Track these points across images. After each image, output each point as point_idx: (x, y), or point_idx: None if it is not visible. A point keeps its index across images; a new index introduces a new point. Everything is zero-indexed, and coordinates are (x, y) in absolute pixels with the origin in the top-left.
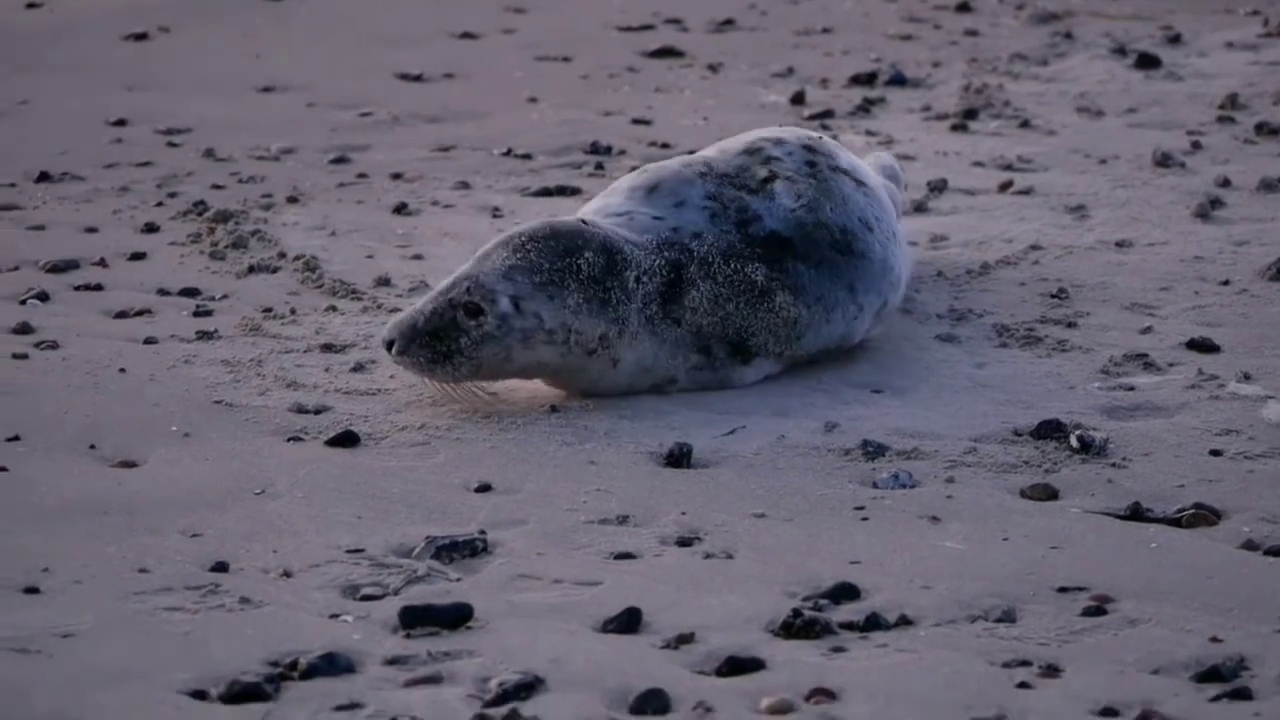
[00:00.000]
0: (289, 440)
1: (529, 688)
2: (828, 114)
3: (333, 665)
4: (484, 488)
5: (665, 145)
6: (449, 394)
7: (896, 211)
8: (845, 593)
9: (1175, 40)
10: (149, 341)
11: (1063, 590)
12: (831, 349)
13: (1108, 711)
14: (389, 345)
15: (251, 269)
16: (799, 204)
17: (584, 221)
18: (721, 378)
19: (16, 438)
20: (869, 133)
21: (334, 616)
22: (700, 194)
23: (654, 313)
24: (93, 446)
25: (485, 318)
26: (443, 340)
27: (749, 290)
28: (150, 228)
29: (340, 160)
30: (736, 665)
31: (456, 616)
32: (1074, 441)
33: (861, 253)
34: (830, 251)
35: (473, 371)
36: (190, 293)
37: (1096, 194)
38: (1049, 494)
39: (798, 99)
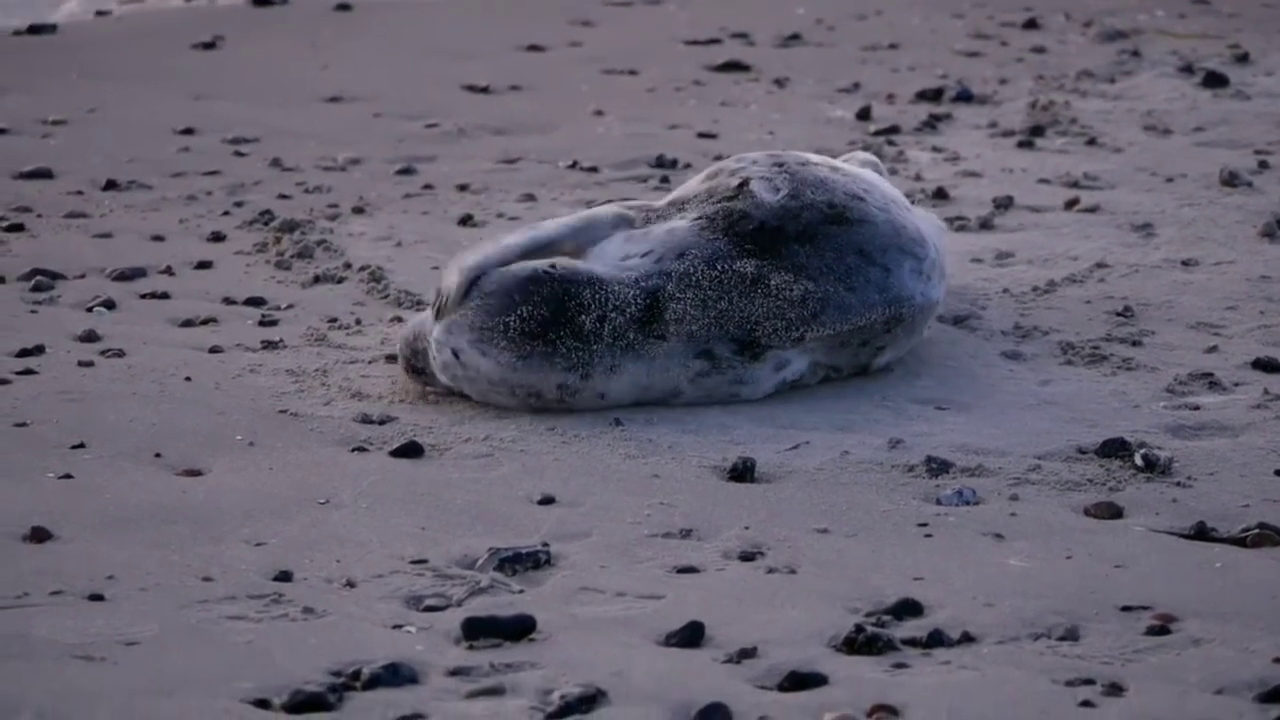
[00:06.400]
0: (353, 450)
1: (591, 700)
2: (893, 130)
3: (395, 676)
4: (547, 500)
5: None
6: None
7: None
8: (908, 609)
9: (1243, 59)
10: (214, 350)
11: (1126, 609)
12: (888, 323)
13: None
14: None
15: (317, 279)
16: (780, 195)
17: (552, 266)
18: (732, 379)
19: (82, 445)
20: (935, 149)
21: (397, 627)
22: (683, 230)
23: (633, 339)
24: (158, 455)
25: (435, 359)
26: (418, 356)
27: (740, 283)
28: (216, 236)
29: (406, 171)
30: (798, 680)
31: (519, 628)
32: (1139, 460)
33: (859, 219)
34: (824, 225)
35: (443, 386)
36: (256, 302)
37: (1163, 212)
38: (1113, 512)
39: (863, 114)
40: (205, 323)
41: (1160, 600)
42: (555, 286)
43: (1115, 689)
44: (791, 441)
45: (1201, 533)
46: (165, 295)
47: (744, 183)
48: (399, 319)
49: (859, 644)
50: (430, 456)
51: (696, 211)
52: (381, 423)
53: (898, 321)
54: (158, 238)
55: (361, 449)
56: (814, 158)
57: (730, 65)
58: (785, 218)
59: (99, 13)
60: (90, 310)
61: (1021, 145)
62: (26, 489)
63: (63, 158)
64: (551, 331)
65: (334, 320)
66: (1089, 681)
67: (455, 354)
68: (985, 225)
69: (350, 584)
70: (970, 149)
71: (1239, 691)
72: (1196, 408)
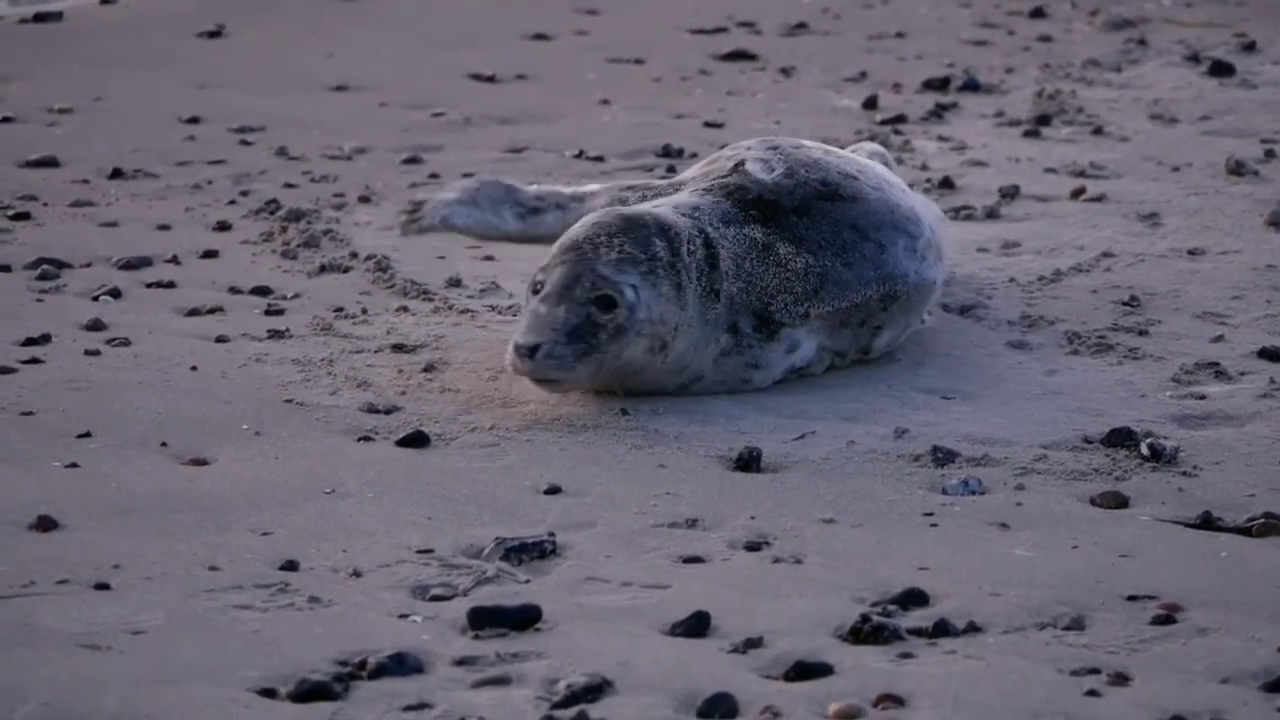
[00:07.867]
0: (359, 440)
1: (597, 690)
2: (900, 119)
3: (401, 665)
4: (553, 490)
5: None
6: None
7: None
8: (914, 599)
9: (1249, 48)
10: (220, 340)
11: (1132, 599)
12: (883, 301)
13: None
14: (532, 351)
15: (323, 268)
16: (774, 174)
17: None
18: (748, 362)
19: (88, 434)
20: (941, 138)
21: (403, 617)
22: (686, 196)
23: (703, 287)
24: (164, 444)
25: (619, 309)
26: (581, 338)
27: (754, 247)
28: (222, 226)
29: (412, 160)
30: (804, 670)
31: (525, 618)
32: (1144, 450)
33: (853, 196)
34: (818, 201)
35: (600, 368)
36: (262, 291)
37: (1169, 201)
38: (1119, 502)
39: (870, 104)
40: (211, 312)
41: (1166, 590)
42: (655, 221)
43: (1121, 678)
44: (797, 431)
45: (1207, 522)
46: (171, 284)
47: (739, 164)
48: (405, 309)
49: (865, 634)
50: (436, 446)
51: (693, 187)
52: (387, 412)
53: (893, 299)
54: (164, 227)
55: (367, 438)
56: (809, 143)
57: (736, 54)
58: (780, 193)
59: (104, 0)
60: (96, 299)
61: (1028, 134)
62: (33, 478)
63: (68, 146)
64: (676, 261)
65: (340, 309)
66: (1095, 671)
67: (636, 291)
68: (991, 215)
69: (356, 573)
70: (977, 138)
71: (1244, 681)
72: (1203, 397)
